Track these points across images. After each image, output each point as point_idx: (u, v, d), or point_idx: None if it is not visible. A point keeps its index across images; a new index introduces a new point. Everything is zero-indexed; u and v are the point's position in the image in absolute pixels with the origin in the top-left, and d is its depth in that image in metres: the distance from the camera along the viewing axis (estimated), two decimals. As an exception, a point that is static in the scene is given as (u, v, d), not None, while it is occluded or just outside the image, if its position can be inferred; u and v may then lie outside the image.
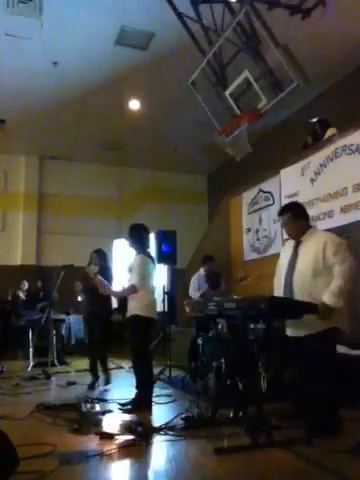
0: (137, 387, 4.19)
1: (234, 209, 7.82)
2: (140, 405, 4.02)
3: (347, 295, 3.19)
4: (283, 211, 3.63)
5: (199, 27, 5.64)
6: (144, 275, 4.20)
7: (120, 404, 4.18)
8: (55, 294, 6.90)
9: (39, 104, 8.53)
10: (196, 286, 6.10)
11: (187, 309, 6.03)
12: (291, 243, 3.57)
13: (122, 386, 5.41)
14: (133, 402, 4.08)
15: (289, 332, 3.42)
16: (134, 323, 4.20)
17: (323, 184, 5.53)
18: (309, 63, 4.94)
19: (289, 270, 3.43)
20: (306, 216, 3.57)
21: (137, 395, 4.12)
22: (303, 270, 3.32)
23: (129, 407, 4.04)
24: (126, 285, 4.33)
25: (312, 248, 3.32)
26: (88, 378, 5.47)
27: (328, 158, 5.47)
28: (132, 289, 4.18)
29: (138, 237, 4.39)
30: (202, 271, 6.21)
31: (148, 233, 4.49)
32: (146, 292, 4.22)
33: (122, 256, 8.98)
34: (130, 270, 4.26)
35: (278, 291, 3.51)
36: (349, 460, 2.72)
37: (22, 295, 9.38)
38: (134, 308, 4.18)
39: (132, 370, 4.42)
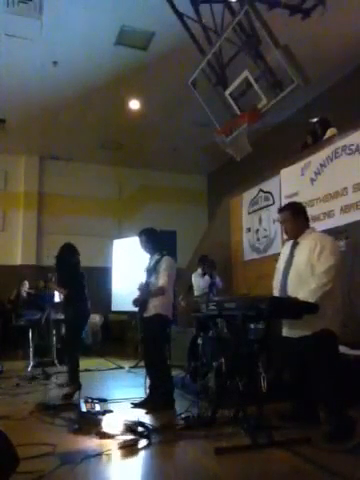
0: (155, 387, 4.18)
1: (234, 209, 7.82)
2: (168, 403, 4.03)
3: (326, 295, 3.14)
4: (283, 208, 3.68)
5: (199, 27, 5.64)
6: (171, 277, 4.24)
7: (133, 404, 4.17)
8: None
9: (39, 104, 8.53)
10: (195, 285, 6.33)
11: (182, 303, 6.16)
12: (289, 244, 3.58)
13: (123, 386, 5.42)
14: (159, 402, 4.05)
15: (285, 332, 3.44)
16: (157, 322, 4.19)
17: (323, 184, 5.53)
18: (309, 63, 4.93)
19: (284, 272, 3.45)
20: (306, 217, 3.56)
21: (162, 395, 4.10)
22: (297, 272, 3.34)
23: (148, 407, 4.01)
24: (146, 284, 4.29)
25: (306, 250, 3.34)
26: (88, 378, 5.46)
27: (328, 158, 5.47)
28: (161, 291, 4.15)
29: (155, 240, 4.41)
30: (200, 271, 6.49)
31: (159, 234, 4.56)
32: (170, 293, 4.28)
33: (122, 256, 8.99)
34: (153, 271, 4.23)
35: (275, 293, 3.52)
36: (349, 460, 2.72)
37: (24, 295, 9.37)
38: (157, 307, 4.16)
39: (148, 370, 4.33)
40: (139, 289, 4.26)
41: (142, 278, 4.36)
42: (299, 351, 3.30)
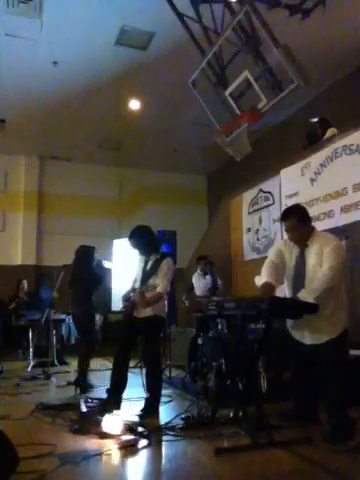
0: (149, 389, 4.06)
1: (234, 209, 7.82)
2: (156, 408, 3.95)
3: (324, 294, 3.13)
4: (288, 215, 3.41)
5: (199, 27, 5.64)
6: (170, 280, 4.13)
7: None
8: (55, 294, 6.90)
9: (39, 104, 8.53)
10: (196, 285, 6.36)
11: (186, 303, 6.13)
12: (294, 246, 3.43)
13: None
14: (150, 407, 3.95)
15: (307, 340, 3.29)
16: (156, 322, 4.14)
17: (323, 184, 5.53)
18: (309, 63, 4.94)
19: (297, 276, 3.34)
20: (310, 219, 3.46)
21: (152, 398, 4.01)
22: (313, 276, 3.24)
23: (142, 413, 3.89)
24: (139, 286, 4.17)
25: (317, 253, 3.26)
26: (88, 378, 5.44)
27: (328, 158, 5.47)
28: (159, 297, 4.03)
29: (151, 238, 4.23)
30: (199, 271, 6.52)
31: (152, 232, 4.33)
32: (167, 295, 4.23)
33: (122, 256, 8.99)
34: (154, 272, 4.08)
35: (280, 289, 3.46)
36: (349, 460, 2.72)
37: (22, 295, 9.36)
38: (156, 309, 4.06)
39: (145, 371, 4.16)
40: (136, 295, 4.08)
41: (138, 278, 4.25)
42: (313, 353, 3.25)
